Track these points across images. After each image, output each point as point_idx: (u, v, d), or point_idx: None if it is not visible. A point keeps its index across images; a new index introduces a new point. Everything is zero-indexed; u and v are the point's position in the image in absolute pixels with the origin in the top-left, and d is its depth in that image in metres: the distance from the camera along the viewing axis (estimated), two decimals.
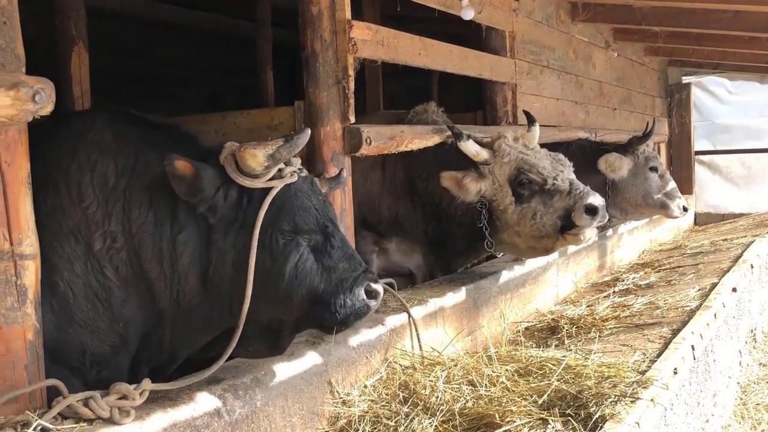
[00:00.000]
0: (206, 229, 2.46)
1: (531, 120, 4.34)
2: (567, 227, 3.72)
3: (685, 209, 6.20)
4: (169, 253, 2.45)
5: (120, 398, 2.11)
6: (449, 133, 4.11)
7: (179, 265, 2.46)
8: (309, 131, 2.57)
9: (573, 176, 3.90)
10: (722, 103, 10.65)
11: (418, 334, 3.35)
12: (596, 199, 3.68)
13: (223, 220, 2.45)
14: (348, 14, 3.43)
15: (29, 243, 2.06)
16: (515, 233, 3.92)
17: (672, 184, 6.19)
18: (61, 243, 2.43)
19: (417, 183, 4.31)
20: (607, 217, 3.80)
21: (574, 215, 3.67)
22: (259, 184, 2.45)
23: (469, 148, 3.88)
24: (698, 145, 10.53)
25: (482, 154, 3.90)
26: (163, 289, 2.50)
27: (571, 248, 5.37)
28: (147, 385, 2.18)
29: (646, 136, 6.14)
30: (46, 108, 2.02)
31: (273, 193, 2.46)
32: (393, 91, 7.40)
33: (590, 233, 3.75)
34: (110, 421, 2.05)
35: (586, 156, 5.84)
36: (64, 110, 2.73)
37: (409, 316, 3.33)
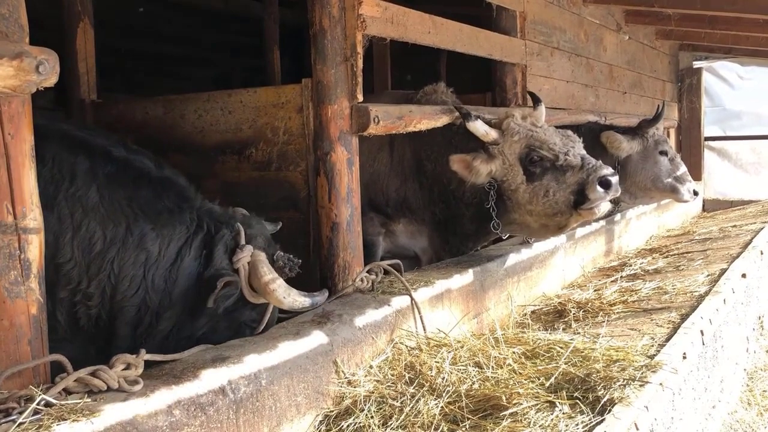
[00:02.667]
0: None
1: (536, 100, 4.29)
2: (580, 202, 3.67)
3: (695, 193, 6.13)
4: (148, 323, 2.51)
5: (125, 369, 2.13)
6: (458, 114, 4.06)
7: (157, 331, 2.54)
8: (326, 294, 2.83)
9: (584, 151, 3.84)
10: (733, 88, 10.53)
11: (421, 317, 3.32)
12: (609, 172, 3.65)
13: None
14: None
15: (33, 217, 2.03)
16: (527, 212, 3.87)
17: (683, 168, 6.12)
18: None
19: (425, 164, 4.27)
20: (620, 191, 3.77)
21: (588, 189, 3.62)
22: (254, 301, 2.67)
23: (478, 128, 3.83)
24: (708, 131, 10.42)
25: (491, 134, 3.85)
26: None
27: (579, 232, 5.33)
28: (144, 355, 2.20)
29: (655, 119, 6.06)
30: (50, 80, 1.98)
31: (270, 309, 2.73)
32: (402, 71, 7.33)
33: (605, 206, 3.72)
34: (119, 390, 2.06)
35: (595, 139, 5.77)
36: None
37: (412, 299, 3.30)
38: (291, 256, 2.76)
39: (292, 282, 2.76)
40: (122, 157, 2.61)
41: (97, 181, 2.49)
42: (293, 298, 2.60)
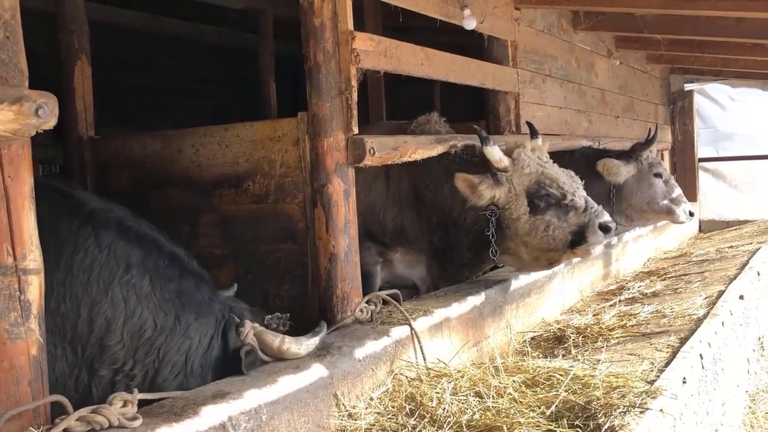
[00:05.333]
0: None
1: (534, 132, 4.37)
2: (577, 243, 3.81)
3: (691, 214, 6.20)
4: None
5: (122, 406, 2.15)
6: (452, 142, 4.11)
7: None
8: (325, 326, 3.00)
9: (585, 194, 3.98)
10: (725, 110, 10.64)
11: (421, 347, 3.32)
12: (609, 218, 3.86)
13: None
14: (350, 25, 3.43)
15: (33, 258, 2.05)
16: (523, 243, 3.92)
17: (677, 190, 6.21)
18: (54, 343, 2.49)
19: (425, 193, 4.30)
20: (614, 236, 4.00)
21: (588, 232, 3.78)
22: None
23: (494, 153, 3.88)
24: (702, 152, 10.50)
25: (504, 161, 3.91)
26: None
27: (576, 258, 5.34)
28: (137, 394, 2.25)
29: (648, 142, 6.15)
30: (49, 122, 2.01)
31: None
32: (396, 102, 7.41)
33: (598, 248, 3.90)
34: (120, 427, 2.07)
35: (589, 164, 5.83)
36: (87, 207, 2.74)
37: (412, 329, 3.31)
38: (278, 314, 2.92)
39: (292, 316, 2.89)
40: (169, 251, 2.78)
41: (150, 273, 2.65)
42: (305, 345, 2.82)
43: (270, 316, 2.90)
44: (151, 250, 2.70)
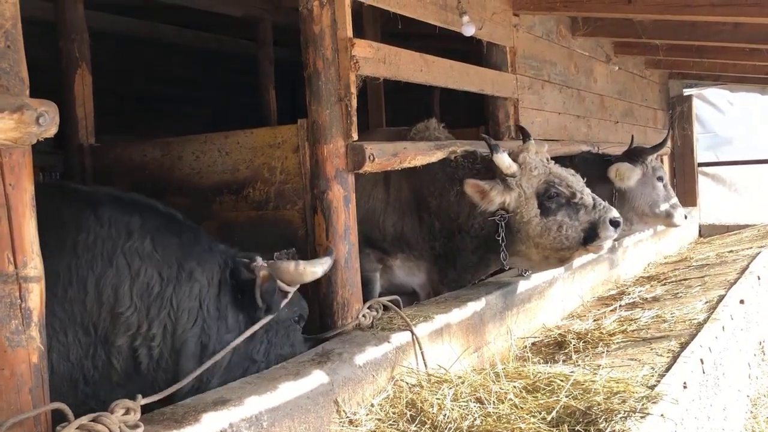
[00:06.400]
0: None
1: (526, 135, 4.42)
2: (590, 239, 3.91)
3: (684, 217, 6.28)
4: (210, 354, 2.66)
5: (124, 414, 2.13)
6: (452, 149, 4.13)
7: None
8: (333, 255, 3.16)
9: (591, 192, 4.07)
10: (724, 115, 10.67)
11: (422, 353, 3.33)
12: (617, 214, 3.98)
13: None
14: (349, 32, 3.44)
15: (33, 266, 2.05)
16: (535, 245, 3.99)
17: (674, 194, 6.29)
18: (65, 331, 2.50)
19: (429, 201, 4.31)
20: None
21: (600, 228, 3.89)
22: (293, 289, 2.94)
23: (504, 160, 3.92)
24: (701, 156, 10.52)
25: (513, 167, 3.94)
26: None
27: (577, 262, 5.34)
28: (141, 400, 2.22)
29: (659, 145, 6.22)
30: (50, 130, 2.01)
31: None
32: (395, 107, 7.42)
33: (608, 243, 4.00)
34: None
35: (588, 167, 5.84)
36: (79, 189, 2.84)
37: (413, 335, 3.31)
38: (285, 249, 3.10)
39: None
40: (166, 212, 2.84)
41: (150, 233, 2.68)
42: (321, 267, 2.96)
43: (278, 252, 3.04)
44: (148, 214, 2.74)
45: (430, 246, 4.38)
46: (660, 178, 6.19)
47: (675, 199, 6.27)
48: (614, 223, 3.91)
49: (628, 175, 5.84)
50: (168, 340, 2.61)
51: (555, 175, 3.99)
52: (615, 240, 5.06)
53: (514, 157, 4.04)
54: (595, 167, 5.87)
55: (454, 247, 4.27)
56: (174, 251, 2.69)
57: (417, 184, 4.36)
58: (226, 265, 2.81)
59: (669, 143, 9.83)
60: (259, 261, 2.84)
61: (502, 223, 3.96)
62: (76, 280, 2.53)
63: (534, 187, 3.95)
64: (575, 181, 4.03)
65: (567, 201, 3.93)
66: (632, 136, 6.64)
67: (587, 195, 3.97)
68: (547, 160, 4.15)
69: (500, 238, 3.97)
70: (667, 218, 6.19)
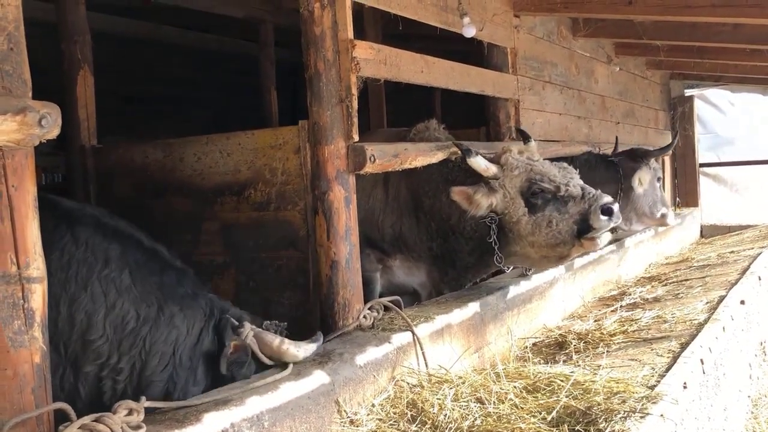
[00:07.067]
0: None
1: (525, 137, 4.40)
2: (584, 231, 3.75)
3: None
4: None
5: (127, 414, 2.13)
6: (453, 149, 4.12)
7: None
8: (321, 336, 3.00)
9: (581, 182, 3.94)
10: (726, 115, 10.67)
11: (423, 354, 3.34)
12: (609, 200, 3.76)
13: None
14: (350, 34, 3.45)
15: (36, 266, 2.06)
16: (529, 244, 3.93)
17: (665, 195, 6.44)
18: None
19: (423, 201, 4.32)
20: (621, 219, 3.85)
21: (591, 217, 3.71)
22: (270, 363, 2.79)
23: (479, 163, 3.90)
24: (703, 157, 10.52)
25: (491, 169, 3.92)
26: None
27: (577, 262, 5.35)
28: (145, 402, 2.22)
29: (666, 147, 6.33)
30: (52, 132, 2.02)
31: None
32: (396, 108, 7.44)
33: (606, 237, 3.81)
34: None
35: (591, 169, 5.87)
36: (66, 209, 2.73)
37: (414, 335, 3.32)
38: (276, 322, 2.93)
39: (294, 324, 2.90)
40: (149, 247, 2.77)
41: (129, 266, 2.63)
42: (304, 349, 2.82)
43: (268, 322, 2.91)
44: (129, 245, 2.68)
45: (428, 247, 4.38)
46: (659, 179, 6.26)
47: (666, 199, 6.39)
48: (606, 211, 3.68)
49: (646, 179, 5.96)
50: (134, 378, 2.57)
51: (536, 172, 3.89)
52: (613, 233, 5.05)
53: (497, 158, 4.04)
54: (598, 169, 5.91)
55: (450, 249, 4.26)
56: (153, 290, 2.64)
57: (414, 184, 4.37)
58: (211, 315, 2.74)
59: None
60: (247, 327, 2.72)
61: (494, 225, 3.93)
62: (48, 297, 2.53)
63: (517, 187, 3.90)
64: (560, 174, 3.90)
65: (553, 195, 3.82)
66: (616, 137, 6.69)
67: (574, 186, 3.83)
68: (536, 157, 4.09)
69: (492, 241, 3.94)
70: (662, 218, 6.26)
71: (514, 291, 4.32)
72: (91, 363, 2.55)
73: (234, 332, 2.70)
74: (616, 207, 3.73)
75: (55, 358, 2.49)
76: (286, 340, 2.79)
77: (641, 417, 2.77)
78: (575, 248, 3.85)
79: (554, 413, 2.83)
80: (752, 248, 7.63)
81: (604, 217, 3.69)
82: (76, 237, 2.58)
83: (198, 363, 2.66)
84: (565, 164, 4.08)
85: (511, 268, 4.50)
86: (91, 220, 2.68)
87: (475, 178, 3.97)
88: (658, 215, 6.16)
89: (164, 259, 2.78)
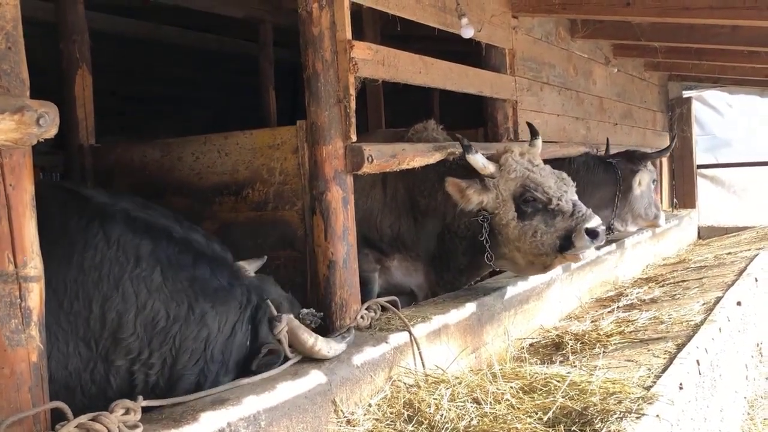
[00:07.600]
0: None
1: (534, 133, 4.39)
2: (565, 247, 3.79)
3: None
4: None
5: (124, 414, 2.14)
6: (450, 150, 4.13)
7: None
8: (353, 332, 3.10)
9: (576, 197, 3.96)
10: (723, 117, 10.68)
11: (420, 354, 3.34)
12: (597, 223, 3.77)
13: None
14: (349, 34, 3.46)
15: (33, 265, 2.07)
16: (516, 248, 3.95)
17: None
18: (66, 341, 2.51)
19: (419, 200, 4.33)
20: (605, 240, 3.88)
21: (575, 237, 3.74)
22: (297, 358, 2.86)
23: (478, 160, 3.92)
24: (700, 158, 10.54)
25: (489, 167, 3.94)
26: None
27: (575, 263, 5.36)
28: (141, 401, 2.23)
29: (665, 150, 6.41)
30: (50, 131, 2.03)
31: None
32: (394, 109, 7.45)
33: (589, 252, 3.84)
34: None
35: (589, 172, 5.89)
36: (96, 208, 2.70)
37: (411, 335, 3.33)
38: (313, 310, 2.97)
39: None
40: (181, 238, 2.75)
41: (161, 263, 2.63)
42: (334, 349, 2.87)
43: (306, 311, 2.94)
44: (160, 239, 2.67)
45: (425, 247, 4.39)
46: (654, 181, 6.35)
47: (658, 201, 6.46)
48: (591, 234, 3.71)
49: (645, 182, 6.00)
50: (166, 371, 2.60)
51: (531, 180, 3.90)
52: (615, 240, 5.06)
53: (497, 157, 4.05)
54: (596, 171, 5.95)
55: (446, 249, 4.27)
56: (185, 288, 2.64)
57: (411, 184, 4.38)
58: (247, 305, 2.73)
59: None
60: (284, 321, 2.72)
61: (485, 224, 3.95)
62: (81, 295, 2.53)
63: (511, 190, 3.91)
64: (555, 186, 3.91)
65: (544, 206, 3.83)
66: (607, 138, 6.72)
67: (566, 201, 3.84)
68: (537, 160, 4.09)
69: (483, 239, 3.96)
70: (655, 219, 6.32)
71: (511, 291, 4.33)
72: (123, 358, 2.57)
73: (270, 326, 2.72)
74: (602, 229, 3.76)
75: (86, 353, 2.54)
76: (320, 340, 2.81)
77: (637, 417, 2.77)
78: (557, 260, 3.90)
79: (550, 414, 2.84)
80: (749, 250, 7.65)
81: (587, 239, 3.71)
82: (108, 235, 2.59)
83: (230, 356, 2.68)
84: (565, 175, 4.08)
85: (499, 270, 4.51)
86: (122, 216, 2.67)
87: (470, 176, 3.99)
88: (652, 215, 6.23)
89: (197, 250, 2.75)
